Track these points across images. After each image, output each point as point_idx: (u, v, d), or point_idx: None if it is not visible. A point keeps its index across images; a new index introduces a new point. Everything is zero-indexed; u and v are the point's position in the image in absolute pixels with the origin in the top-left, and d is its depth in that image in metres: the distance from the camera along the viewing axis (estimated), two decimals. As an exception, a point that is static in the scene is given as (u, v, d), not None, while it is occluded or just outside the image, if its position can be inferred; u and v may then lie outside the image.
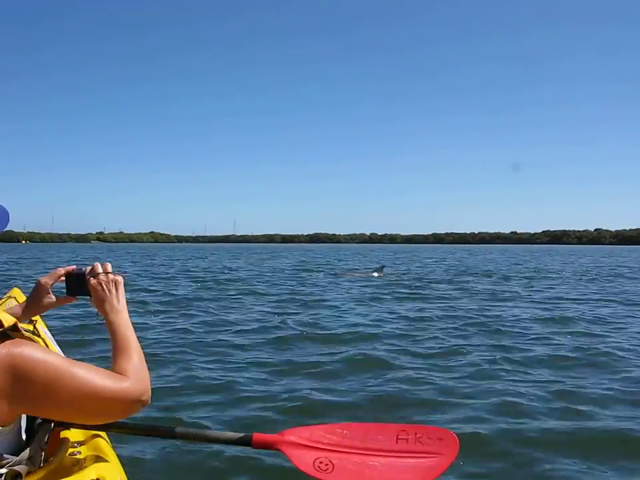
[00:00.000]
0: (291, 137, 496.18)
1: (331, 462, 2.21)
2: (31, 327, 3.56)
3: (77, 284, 2.24)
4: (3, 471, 1.63)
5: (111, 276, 2.15)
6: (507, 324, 10.71)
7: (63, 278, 2.31)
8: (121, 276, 2.18)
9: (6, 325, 1.63)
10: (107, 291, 2.12)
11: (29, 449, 1.75)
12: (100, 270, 2.17)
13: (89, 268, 2.21)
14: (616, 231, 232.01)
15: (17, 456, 1.69)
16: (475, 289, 18.90)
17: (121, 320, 2.06)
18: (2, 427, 1.63)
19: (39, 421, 1.92)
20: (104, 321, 2.10)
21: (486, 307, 13.54)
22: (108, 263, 2.21)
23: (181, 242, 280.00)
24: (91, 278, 2.16)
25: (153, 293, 16.33)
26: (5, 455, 1.65)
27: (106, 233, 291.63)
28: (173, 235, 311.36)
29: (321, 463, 2.20)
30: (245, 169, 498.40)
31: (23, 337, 1.69)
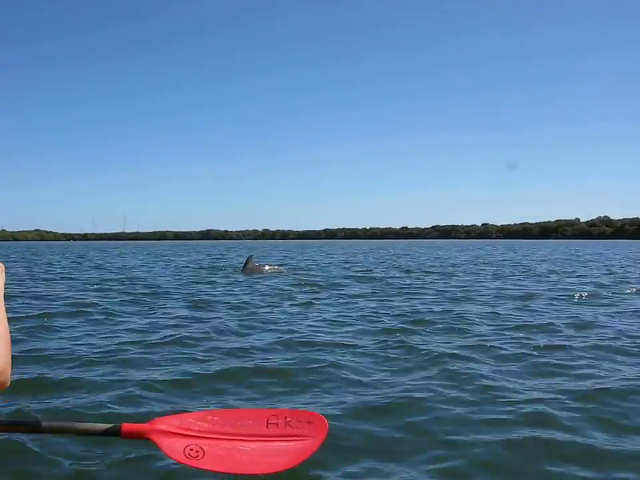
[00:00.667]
0: (182, 133, 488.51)
1: (202, 449, 2.21)
2: None
3: None
4: None
5: None
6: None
7: None
8: (2, 264, 2.07)
9: None
10: None
11: None
12: None
13: None
14: (501, 225, 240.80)
15: None
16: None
17: None
18: None
19: None
20: None
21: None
22: None
23: (69, 239, 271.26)
24: None
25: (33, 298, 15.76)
26: None
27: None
28: (60, 232, 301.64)
29: (191, 450, 2.20)
30: (134, 164, 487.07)
31: None
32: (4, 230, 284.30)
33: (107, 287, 18.49)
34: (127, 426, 2.25)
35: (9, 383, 1.78)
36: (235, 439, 2.27)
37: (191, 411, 2.46)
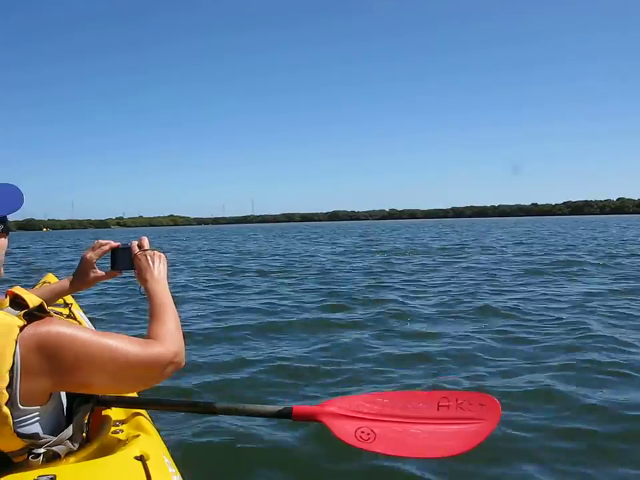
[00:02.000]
0: (308, 116, 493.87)
1: (373, 431, 2.20)
2: (66, 311, 3.58)
3: (123, 258, 2.32)
4: (41, 450, 1.63)
5: (157, 252, 2.24)
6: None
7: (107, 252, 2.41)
8: (163, 254, 2.25)
9: (31, 305, 1.63)
10: (150, 262, 2.19)
11: (69, 428, 1.74)
12: (146, 243, 2.26)
13: (135, 242, 2.28)
14: (639, 199, 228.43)
15: (56, 436, 1.68)
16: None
17: (158, 288, 2.09)
18: (39, 406, 1.62)
19: (78, 400, 1.87)
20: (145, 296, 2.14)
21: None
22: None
23: (200, 224, 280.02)
24: (137, 250, 2.25)
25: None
26: (42, 435, 1.65)
27: (125, 217, 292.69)
28: (192, 217, 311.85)
29: (362, 432, 2.20)
30: (261, 148, 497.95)
31: (51, 316, 1.67)
32: (141, 216, 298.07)
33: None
34: (297, 408, 2.28)
35: (184, 363, 1.90)
36: (406, 422, 2.24)
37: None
